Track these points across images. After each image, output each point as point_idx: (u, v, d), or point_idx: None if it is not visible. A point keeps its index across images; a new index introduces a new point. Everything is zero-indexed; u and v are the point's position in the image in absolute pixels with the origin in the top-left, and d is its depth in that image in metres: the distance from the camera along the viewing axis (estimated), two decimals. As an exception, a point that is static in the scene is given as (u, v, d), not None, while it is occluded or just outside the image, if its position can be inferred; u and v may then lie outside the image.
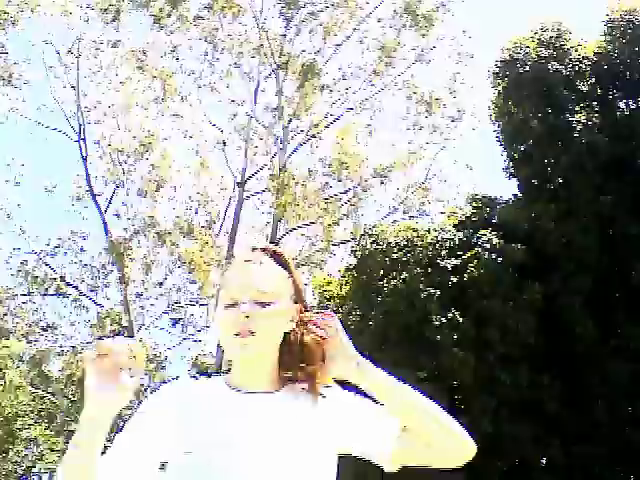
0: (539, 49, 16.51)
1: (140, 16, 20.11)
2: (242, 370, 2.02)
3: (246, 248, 2.10)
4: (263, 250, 2.08)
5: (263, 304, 1.98)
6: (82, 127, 21.61)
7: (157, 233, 21.39)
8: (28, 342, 22.22)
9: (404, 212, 20.56)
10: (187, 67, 20.87)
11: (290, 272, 2.07)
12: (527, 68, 16.44)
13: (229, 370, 2.08)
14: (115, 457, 1.93)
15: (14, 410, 23.95)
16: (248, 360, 2.00)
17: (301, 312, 2.04)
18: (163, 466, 1.94)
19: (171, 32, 19.97)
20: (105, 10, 19.76)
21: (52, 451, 25.18)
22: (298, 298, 2.06)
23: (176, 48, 20.37)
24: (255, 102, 21.22)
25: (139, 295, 22.71)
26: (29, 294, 22.33)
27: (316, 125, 20.97)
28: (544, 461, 14.62)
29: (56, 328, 22.68)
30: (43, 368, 22.25)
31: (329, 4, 20.24)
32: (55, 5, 19.72)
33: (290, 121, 20.79)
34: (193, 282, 22.47)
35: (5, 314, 22.15)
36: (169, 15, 19.59)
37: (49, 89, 21.23)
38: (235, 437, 1.92)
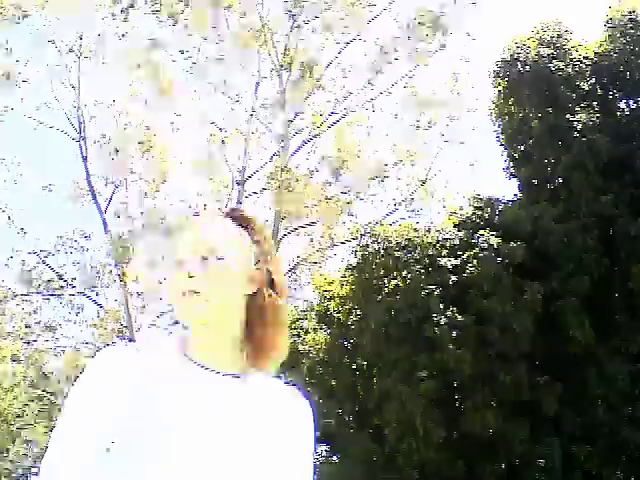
0: (540, 49, 16.50)
1: (146, 10, 20.06)
2: (199, 342, 1.77)
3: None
4: (225, 215, 1.88)
5: (207, 262, 1.76)
6: (82, 126, 21.59)
7: (156, 230, 21.36)
8: (27, 342, 22.18)
9: (406, 210, 20.49)
10: (188, 64, 20.84)
11: (253, 233, 1.85)
12: (528, 68, 16.43)
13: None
14: (59, 444, 1.72)
15: (13, 410, 23.93)
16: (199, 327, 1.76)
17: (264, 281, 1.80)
18: (109, 449, 1.67)
19: (174, 24, 19.92)
20: (115, 2, 19.72)
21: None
22: (262, 263, 1.81)
23: (179, 44, 20.33)
24: (256, 100, 21.18)
25: (139, 294, 22.68)
26: (28, 294, 22.29)
27: (318, 125, 20.95)
28: (543, 461, 14.61)
29: (56, 328, 22.65)
30: (42, 368, 22.22)
31: (334, 4, 20.19)
32: (60, 2, 19.68)
33: (292, 120, 20.77)
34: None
35: (3, 314, 22.12)
36: (182, 12, 19.55)
37: (50, 87, 21.18)
38: (182, 421, 1.67)
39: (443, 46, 19.43)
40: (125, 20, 19.96)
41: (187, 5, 19.39)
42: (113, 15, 19.95)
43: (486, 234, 15.23)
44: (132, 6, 19.74)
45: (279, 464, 1.73)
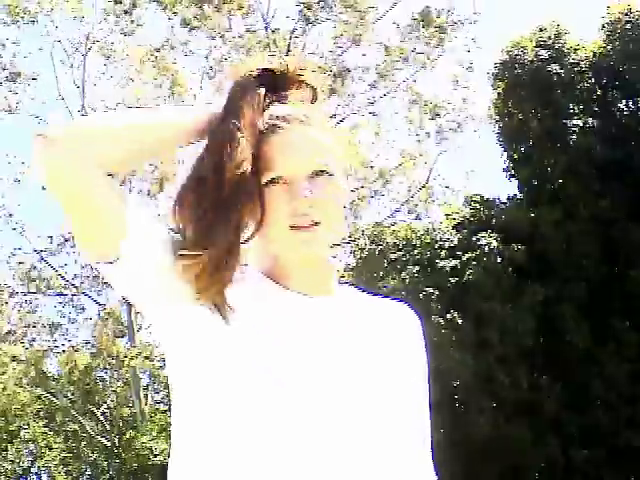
0: (538, 50, 16.52)
1: (152, 11, 20.10)
2: (299, 274, 1.49)
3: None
4: (301, 83, 1.53)
5: (324, 179, 1.47)
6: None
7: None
8: (27, 342, 22.22)
9: (408, 212, 20.55)
10: (194, 65, 20.90)
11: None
12: (526, 69, 16.46)
13: None
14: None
15: (13, 409, 23.95)
16: (309, 262, 1.48)
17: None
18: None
19: (192, 28, 19.94)
20: (119, 2, 19.75)
21: (50, 449, 25.20)
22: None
23: (186, 45, 20.37)
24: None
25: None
26: (29, 293, 22.33)
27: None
28: (543, 463, 14.64)
29: (56, 327, 22.68)
30: (42, 367, 22.25)
31: (339, 7, 20.21)
32: (67, 4, 19.72)
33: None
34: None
35: (4, 313, 22.15)
36: (197, 15, 19.57)
37: (55, 87, 21.23)
38: (316, 354, 1.45)
39: (440, 42, 19.43)
40: (132, 22, 19.96)
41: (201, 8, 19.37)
42: (117, 17, 19.98)
43: (486, 236, 15.25)
44: (135, 6, 19.75)
45: (407, 375, 1.64)
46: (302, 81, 1.52)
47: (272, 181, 1.44)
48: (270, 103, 1.47)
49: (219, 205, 1.38)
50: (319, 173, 1.45)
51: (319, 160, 1.45)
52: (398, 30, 20.04)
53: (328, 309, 1.51)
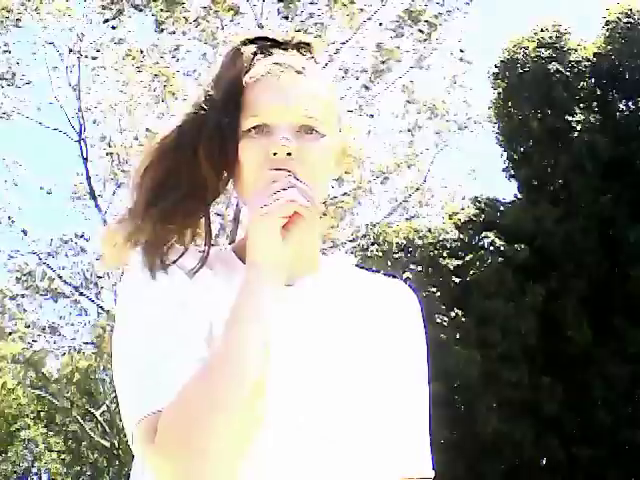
0: (539, 50, 16.52)
1: (141, 17, 20.11)
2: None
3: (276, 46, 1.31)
4: (301, 47, 1.32)
5: (312, 137, 1.25)
6: (83, 127, 21.60)
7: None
8: (27, 343, 22.22)
9: (402, 214, 20.51)
10: (187, 68, 20.87)
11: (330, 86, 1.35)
12: (527, 69, 16.46)
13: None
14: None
15: (13, 411, 23.95)
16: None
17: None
18: None
19: (173, 32, 19.97)
20: (105, 8, 19.75)
21: (50, 451, 25.21)
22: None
23: (177, 49, 20.37)
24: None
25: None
26: (29, 295, 22.31)
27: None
28: (544, 462, 14.63)
29: (56, 329, 22.68)
30: (42, 369, 22.25)
31: (328, 6, 20.22)
32: (57, 5, 19.71)
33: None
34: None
35: (4, 314, 22.15)
36: (169, 17, 19.59)
37: (50, 89, 21.21)
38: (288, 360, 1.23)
39: (429, 37, 19.36)
40: (114, 28, 19.95)
41: (172, 12, 19.36)
42: (106, 20, 19.97)
43: (490, 235, 15.26)
44: (121, 12, 19.73)
45: (386, 362, 1.36)
46: (300, 43, 1.32)
47: (254, 128, 1.23)
48: (265, 55, 1.28)
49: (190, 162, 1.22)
50: (308, 130, 1.24)
51: (310, 114, 1.24)
52: (386, 28, 20.00)
53: (295, 296, 1.29)
